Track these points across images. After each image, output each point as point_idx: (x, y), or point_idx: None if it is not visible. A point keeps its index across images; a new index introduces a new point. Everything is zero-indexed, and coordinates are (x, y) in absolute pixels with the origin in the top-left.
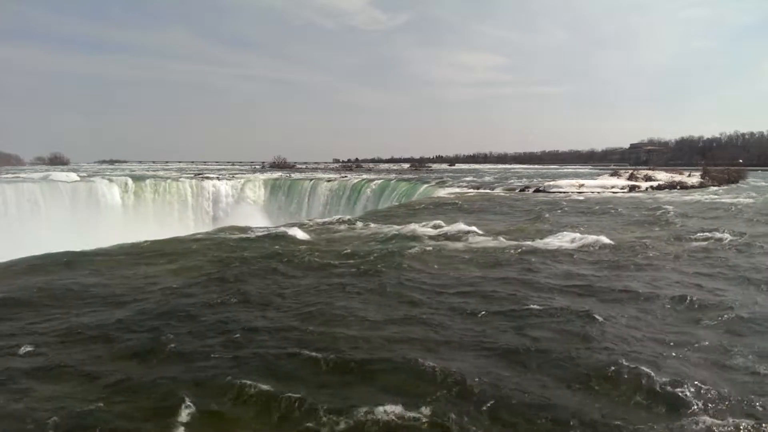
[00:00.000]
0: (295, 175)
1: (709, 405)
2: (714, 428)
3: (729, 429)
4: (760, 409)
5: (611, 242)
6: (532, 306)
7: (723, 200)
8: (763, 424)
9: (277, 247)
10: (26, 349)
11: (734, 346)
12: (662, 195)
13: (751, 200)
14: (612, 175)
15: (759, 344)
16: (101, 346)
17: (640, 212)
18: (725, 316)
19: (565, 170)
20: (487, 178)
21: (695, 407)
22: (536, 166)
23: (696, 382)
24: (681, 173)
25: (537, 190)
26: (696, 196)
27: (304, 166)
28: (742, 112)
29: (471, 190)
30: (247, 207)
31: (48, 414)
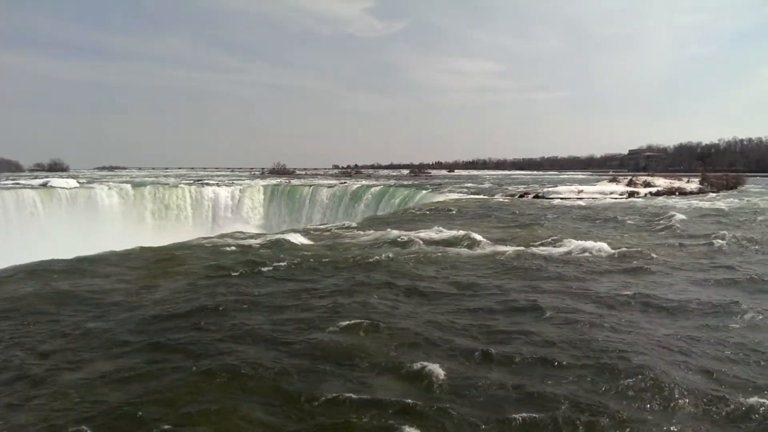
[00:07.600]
0: (295, 182)
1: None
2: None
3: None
4: None
5: (611, 248)
6: (533, 310)
7: (720, 205)
8: None
9: (277, 253)
10: (23, 353)
11: (738, 344)
12: (661, 201)
13: (748, 205)
14: (611, 181)
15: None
16: (98, 350)
17: (639, 218)
18: (732, 319)
19: (564, 176)
20: (486, 184)
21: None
22: (535, 172)
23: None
24: (680, 179)
25: (536, 196)
26: (695, 201)
27: (303, 173)
28: (740, 117)
29: (470, 196)
30: (246, 213)
31: (49, 417)
